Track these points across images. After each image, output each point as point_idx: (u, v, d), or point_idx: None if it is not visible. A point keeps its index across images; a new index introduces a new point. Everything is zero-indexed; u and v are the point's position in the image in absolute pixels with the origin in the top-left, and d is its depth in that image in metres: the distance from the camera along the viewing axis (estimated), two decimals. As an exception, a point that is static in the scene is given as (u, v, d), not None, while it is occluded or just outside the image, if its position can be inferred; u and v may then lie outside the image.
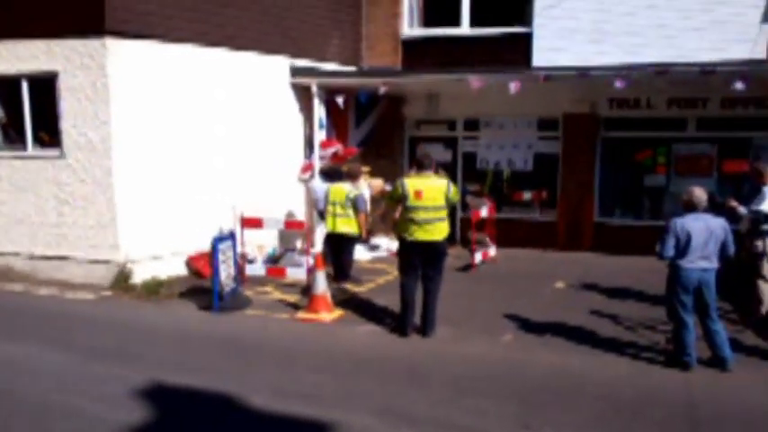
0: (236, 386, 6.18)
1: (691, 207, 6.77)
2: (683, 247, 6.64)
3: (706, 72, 10.44)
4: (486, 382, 6.36)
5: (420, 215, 7.51)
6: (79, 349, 7.33)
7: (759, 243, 7.91)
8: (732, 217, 7.68)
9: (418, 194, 7.49)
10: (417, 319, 7.87)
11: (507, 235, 13.04)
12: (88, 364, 6.85)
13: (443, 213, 7.65)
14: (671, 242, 6.69)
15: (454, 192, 7.73)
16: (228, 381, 6.34)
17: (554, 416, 5.60)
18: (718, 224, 6.69)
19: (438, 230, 7.60)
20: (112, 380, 6.37)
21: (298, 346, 7.50)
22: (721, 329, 6.76)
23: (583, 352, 7.23)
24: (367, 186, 11.76)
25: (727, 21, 11.86)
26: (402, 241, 7.76)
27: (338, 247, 10.14)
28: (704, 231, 6.62)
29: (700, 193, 6.80)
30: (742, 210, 8.15)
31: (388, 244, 13.04)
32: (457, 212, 14.09)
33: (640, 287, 9.93)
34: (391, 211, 12.31)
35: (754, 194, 8.41)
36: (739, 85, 10.19)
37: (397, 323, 7.99)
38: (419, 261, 7.70)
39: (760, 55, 11.71)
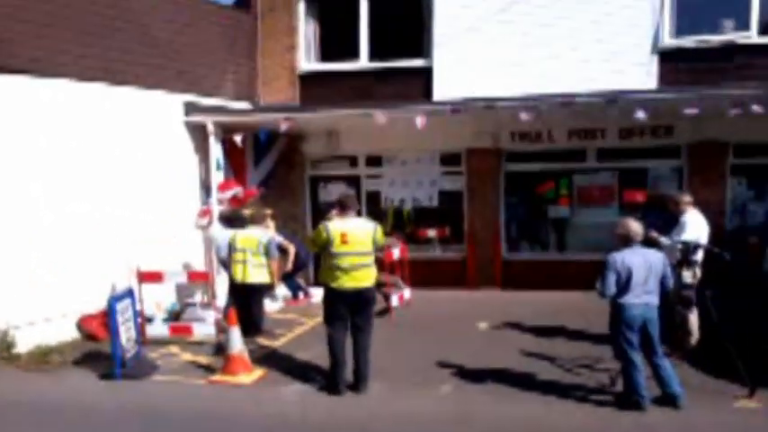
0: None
1: (627, 241, 6.59)
2: (624, 284, 6.42)
3: (611, 101, 10.52)
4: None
5: (346, 261, 6.99)
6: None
7: (687, 274, 7.85)
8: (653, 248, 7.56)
9: (344, 239, 6.96)
10: (347, 374, 7.23)
11: (416, 275, 12.53)
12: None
13: (371, 258, 7.18)
14: (612, 278, 6.45)
15: (381, 234, 7.27)
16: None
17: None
18: (656, 258, 6.54)
19: (366, 277, 7.12)
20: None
21: (218, 415, 6.64)
22: (668, 365, 6.59)
23: (530, 399, 6.83)
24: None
25: (620, 51, 12.07)
26: (328, 290, 7.15)
27: (247, 298, 9.31)
28: (644, 266, 6.44)
29: (636, 226, 6.62)
30: (664, 240, 8.10)
31: (285, 293, 12.20)
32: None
33: (562, 323, 9.75)
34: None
35: (669, 223, 8.43)
36: (641, 114, 10.28)
37: (328, 381, 7.29)
38: (347, 311, 7.13)
39: (651, 85, 12.01)
